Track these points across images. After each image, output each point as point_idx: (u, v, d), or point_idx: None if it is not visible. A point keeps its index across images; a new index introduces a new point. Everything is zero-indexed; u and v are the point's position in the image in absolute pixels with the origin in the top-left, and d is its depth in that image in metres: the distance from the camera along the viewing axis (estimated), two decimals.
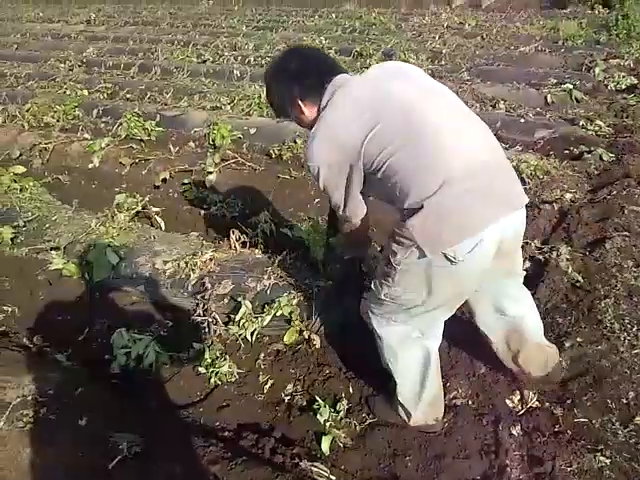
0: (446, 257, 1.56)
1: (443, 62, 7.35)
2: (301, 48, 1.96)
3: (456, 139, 1.61)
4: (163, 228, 3.50)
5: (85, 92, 6.80)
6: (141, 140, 5.09)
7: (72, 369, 2.34)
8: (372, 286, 1.84)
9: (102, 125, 5.60)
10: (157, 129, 5.29)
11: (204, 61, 8.26)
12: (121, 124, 5.28)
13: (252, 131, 4.99)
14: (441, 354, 1.99)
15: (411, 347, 1.87)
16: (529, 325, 1.98)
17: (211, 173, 4.04)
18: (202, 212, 3.81)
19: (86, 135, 5.05)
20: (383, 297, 1.78)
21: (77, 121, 5.74)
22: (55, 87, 7.14)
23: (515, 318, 1.94)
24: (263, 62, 7.92)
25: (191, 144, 5.02)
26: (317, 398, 2.17)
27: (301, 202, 3.71)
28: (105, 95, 6.72)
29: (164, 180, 4.16)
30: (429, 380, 1.90)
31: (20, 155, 4.98)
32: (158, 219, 3.57)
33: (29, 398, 1.99)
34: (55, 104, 6.02)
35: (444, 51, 7.77)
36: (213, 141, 4.94)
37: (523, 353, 2.00)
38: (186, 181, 4.08)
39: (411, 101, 1.67)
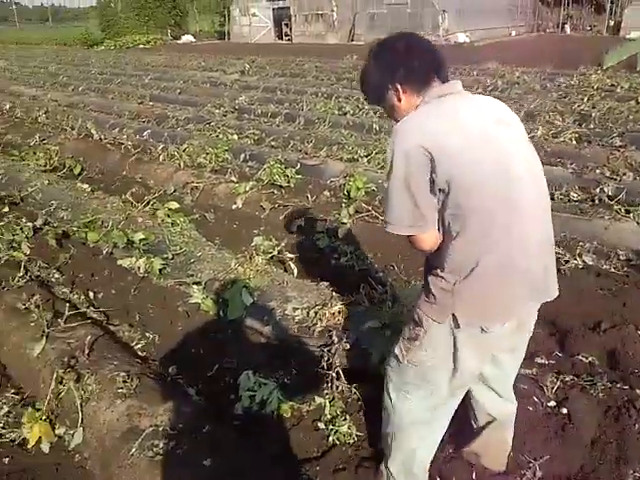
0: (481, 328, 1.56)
1: (592, 125, 6.98)
2: (414, 34, 1.73)
3: (531, 228, 1.57)
4: (295, 274, 3.60)
5: (235, 137, 7.35)
6: (281, 186, 5.36)
7: (200, 404, 2.44)
8: (395, 350, 1.75)
9: (247, 169, 5.99)
10: (297, 177, 5.55)
11: (345, 113, 8.57)
12: (264, 169, 5.62)
13: (386, 185, 5.04)
14: None
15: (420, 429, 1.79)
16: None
17: (345, 224, 4.12)
18: (333, 262, 3.87)
19: (233, 178, 5.43)
20: (406, 363, 1.70)
21: (226, 164, 6.20)
22: (209, 131, 7.80)
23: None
24: None
25: (326, 193, 5.18)
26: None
27: None
28: (252, 141, 7.21)
29: (299, 227, 4.32)
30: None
31: (174, 191, 5.47)
32: (292, 265, 3.68)
33: (160, 429, 2.10)
34: (208, 146, 6.55)
35: (593, 114, 7.39)
36: (348, 192, 5.07)
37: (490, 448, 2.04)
38: (320, 229, 4.20)
39: (514, 169, 1.54)
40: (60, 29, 52.14)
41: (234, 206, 4.92)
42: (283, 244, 4.02)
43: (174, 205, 4.59)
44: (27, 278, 3.51)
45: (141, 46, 28.55)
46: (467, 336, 1.57)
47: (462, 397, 1.77)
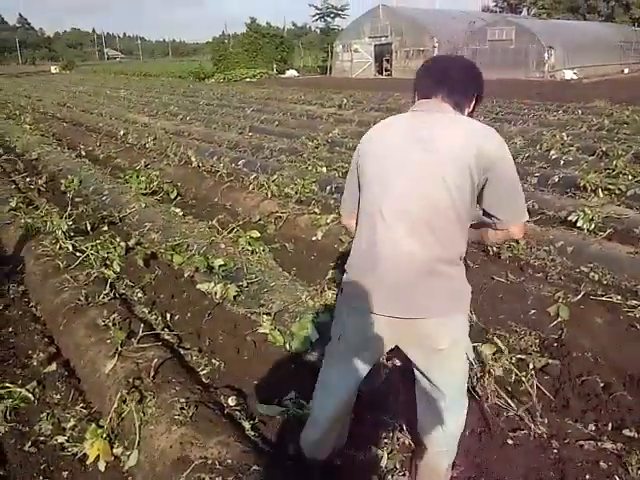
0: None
1: None
2: (454, 57, 2.03)
3: (402, 246, 1.70)
4: None
5: (324, 169, 7.44)
6: None
7: (253, 440, 2.39)
8: None
9: (332, 201, 6.00)
10: None
11: None
12: None
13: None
14: None
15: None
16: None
17: None
18: None
19: (316, 209, 5.45)
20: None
21: (312, 195, 6.27)
22: (300, 162, 7.96)
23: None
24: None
25: None
26: None
27: (514, 311, 3.39)
28: (341, 173, 7.24)
29: None
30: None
31: (259, 220, 5.59)
32: None
33: (209, 462, 2.07)
34: (297, 177, 6.68)
35: None
36: None
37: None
38: None
39: (405, 187, 1.71)
40: (178, 63, 56.47)
41: (314, 237, 4.93)
42: None
43: (256, 234, 4.67)
44: (111, 296, 3.69)
45: (248, 79, 30.14)
46: (348, 310, 1.86)
47: (358, 369, 1.92)
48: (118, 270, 4.33)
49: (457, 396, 1.90)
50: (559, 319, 3.18)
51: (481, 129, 1.73)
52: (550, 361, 2.90)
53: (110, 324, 3.19)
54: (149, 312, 3.71)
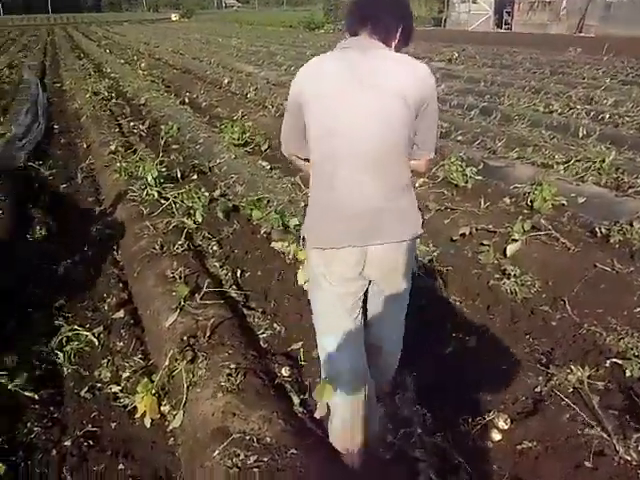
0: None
1: None
2: None
3: (361, 176, 1.78)
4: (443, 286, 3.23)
5: None
6: (456, 186, 4.92)
7: (300, 418, 2.26)
8: None
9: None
10: (476, 177, 5.03)
11: (551, 112, 7.63)
12: (442, 166, 5.21)
13: (580, 200, 4.30)
14: None
15: None
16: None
17: (516, 241, 3.57)
18: (491, 282, 3.38)
19: None
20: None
21: None
22: None
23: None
24: (620, 121, 6.89)
25: (506, 200, 4.61)
26: None
27: (616, 306, 2.94)
28: (439, 134, 6.77)
29: (463, 235, 3.87)
30: None
31: None
32: (440, 279, 3.30)
33: (247, 437, 1.96)
34: None
35: None
36: (531, 202, 4.43)
37: None
38: (485, 242, 3.71)
39: (351, 124, 1.75)
40: (291, 12, 56.14)
41: None
42: (438, 251, 3.68)
43: None
44: (186, 247, 3.67)
45: None
46: (319, 253, 1.89)
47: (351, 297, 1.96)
48: (200, 221, 4.33)
49: (404, 307, 2.13)
50: None
51: (418, 66, 1.81)
52: None
53: (177, 277, 3.17)
54: (221, 267, 3.67)
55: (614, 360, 2.52)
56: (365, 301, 2.07)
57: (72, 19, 56.97)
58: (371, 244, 1.84)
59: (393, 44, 1.87)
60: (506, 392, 2.41)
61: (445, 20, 29.82)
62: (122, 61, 16.48)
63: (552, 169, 5.11)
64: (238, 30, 32.43)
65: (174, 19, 53.24)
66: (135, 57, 17.33)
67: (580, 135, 6.29)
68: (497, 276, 3.43)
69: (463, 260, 3.63)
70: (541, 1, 24.12)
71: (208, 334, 2.59)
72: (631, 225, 3.82)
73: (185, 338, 2.57)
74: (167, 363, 2.41)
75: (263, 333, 2.93)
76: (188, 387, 2.31)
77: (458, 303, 3.17)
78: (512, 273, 3.34)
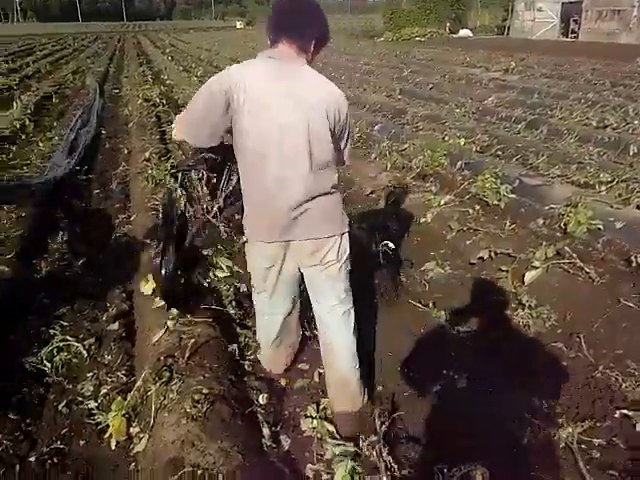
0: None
1: None
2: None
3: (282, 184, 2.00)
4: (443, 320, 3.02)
5: (462, 141, 6.71)
6: (488, 204, 4.66)
7: (266, 454, 2.14)
8: None
9: (459, 178, 5.36)
10: (511, 196, 4.76)
11: (605, 126, 7.17)
12: (476, 182, 4.97)
13: (618, 225, 3.96)
14: None
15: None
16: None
17: (536, 268, 3.31)
18: (507, 312, 3.14)
19: (433, 188, 4.90)
20: None
21: (440, 169, 5.67)
22: (439, 131, 7.30)
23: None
24: None
25: (539, 221, 4.31)
26: None
27: (636, 349, 2.64)
28: (478, 147, 6.49)
29: (482, 259, 3.64)
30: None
31: (371, 193, 5.20)
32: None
33: (199, 472, 1.85)
34: (428, 148, 6.09)
35: None
36: (565, 225, 4.13)
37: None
38: (504, 268, 3.47)
39: (279, 128, 1.94)
40: (353, 20, 56.26)
41: (422, 219, 4.41)
42: (456, 274, 3.48)
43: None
44: None
45: (417, 38, 28.87)
46: (256, 245, 2.17)
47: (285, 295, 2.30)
48: None
49: (347, 302, 2.27)
50: None
51: (333, 86, 2.03)
52: None
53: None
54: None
55: (624, 411, 2.25)
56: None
57: (144, 27, 59.43)
58: (296, 239, 2.07)
59: (310, 53, 2.03)
60: (490, 442, 2.18)
61: (509, 28, 28.96)
62: (181, 68, 16.92)
63: (594, 189, 4.76)
64: None
65: (239, 27, 54.52)
66: (193, 64, 17.75)
67: (631, 153, 5.86)
68: (513, 305, 3.19)
69: (478, 287, 3.40)
70: (610, 9, 22.97)
71: (188, 354, 2.50)
72: None
73: (163, 358, 2.49)
74: (140, 383, 2.35)
75: (252, 355, 2.82)
76: (157, 410, 2.23)
77: (462, 334, 2.95)
78: (527, 304, 3.09)
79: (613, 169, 5.19)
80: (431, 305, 3.21)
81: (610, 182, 4.86)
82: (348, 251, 2.20)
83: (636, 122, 7.10)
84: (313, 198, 2.02)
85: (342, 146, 2.16)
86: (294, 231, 2.06)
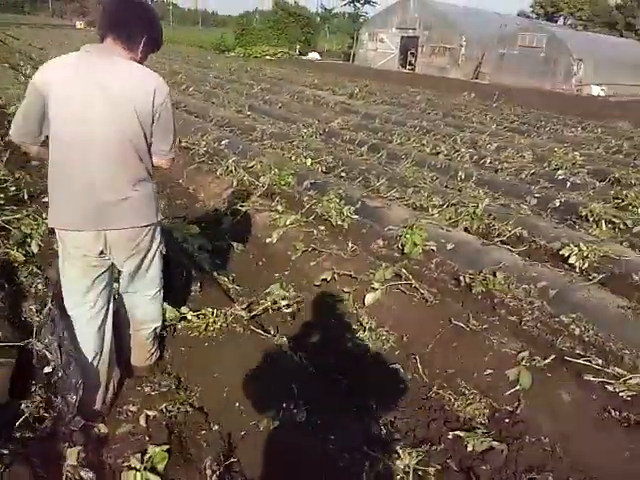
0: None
1: None
2: None
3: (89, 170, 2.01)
4: (276, 341, 2.92)
5: (309, 161, 6.77)
6: (333, 225, 4.71)
7: None
8: None
9: (306, 199, 5.34)
10: (354, 217, 4.86)
11: (437, 153, 7.76)
12: (320, 203, 5.01)
13: (449, 246, 4.22)
14: None
15: None
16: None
17: (375, 290, 3.36)
18: (349, 335, 3.13)
19: (279, 207, 4.82)
20: None
21: (287, 188, 5.64)
22: (287, 150, 7.31)
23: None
24: (499, 167, 7.11)
25: (379, 242, 4.45)
26: None
27: (467, 367, 2.76)
28: (323, 168, 6.61)
29: (325, 280, 3.62)
30: None
31: (215, 211, 4.99)
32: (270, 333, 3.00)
33: None
34: (275, 167, 6.03)
35: None
36: (402, 246, 4.31)
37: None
38: (346, 289, 3.48)
39: (84, 120, 1.97)
40: (204, 33, 55.52)
41: (268, 239, 4.31)
42: (300, 298, 3.41)
43: (195, 229, 4.08)
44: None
45: (268, 57, 29.31)
46: (64, 234, 2.12)
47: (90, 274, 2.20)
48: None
49: (156, 285, 2.42)
50: (518, 387, 2.56)
51: (149, 79, 2.03)
52: (495, 444, 2.28)
53: None
54: None
55: (457, 433, 2.31)
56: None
57: None
58: (107, 229, 2.07)
59: (138, 52, 2.08)
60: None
61: (354, 55, 30.65)
62: (7, 65, 15.20)
63: (427, 212, 5.06)
64: None
65: (79, 27, 50.79)
66: (21, 62, 16.07)
67: (459, 178, 6.38)
68: (355, 327, 3.19)
69: (320, 310, 3.36)
70: (442, 46, 25.44)
71: None
72: (494, 275, 3.78)
73: None
74: None
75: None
76: None
77: (304, 360, 2.85)
78: (367, 325, 3.12)
79: (444, 193, 5.58)
80: (273, 332, 3.09)
81: (441, 205, 5.21)
82: (160, 239, 2.30)
83: (463, 150, 7.79)
84: (124, 188, 2.05)
85: (161, 136, 2.13)
86: (107, 220, 2.07)
